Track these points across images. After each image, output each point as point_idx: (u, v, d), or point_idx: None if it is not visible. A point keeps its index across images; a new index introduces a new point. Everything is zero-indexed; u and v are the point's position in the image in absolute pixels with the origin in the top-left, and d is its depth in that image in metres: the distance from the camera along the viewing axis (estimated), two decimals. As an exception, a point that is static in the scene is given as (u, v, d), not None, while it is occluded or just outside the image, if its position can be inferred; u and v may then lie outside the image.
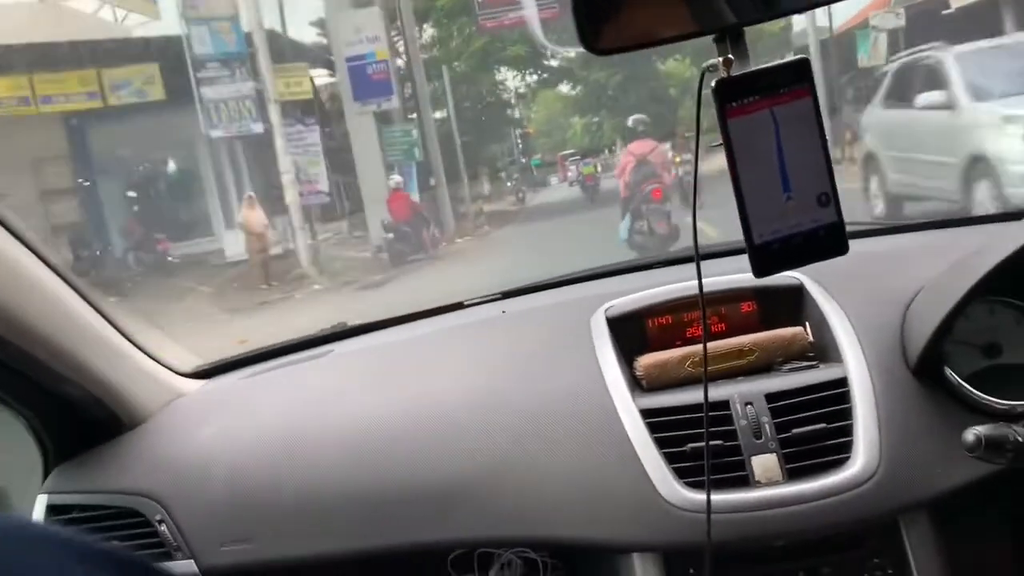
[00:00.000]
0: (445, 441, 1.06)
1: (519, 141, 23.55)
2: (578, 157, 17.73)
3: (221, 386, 1.35)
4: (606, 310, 1.17)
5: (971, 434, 0.79)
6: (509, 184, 18.69)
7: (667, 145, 9.22)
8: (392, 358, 1.31)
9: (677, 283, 1.18)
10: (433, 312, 1.50)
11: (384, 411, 1.14)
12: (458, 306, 1.49)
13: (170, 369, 1.32)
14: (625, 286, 1.24)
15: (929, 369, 0.97)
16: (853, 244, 1.31)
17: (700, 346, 1.06)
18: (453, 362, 1.23)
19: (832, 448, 0.93)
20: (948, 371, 0.97)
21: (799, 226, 0.74)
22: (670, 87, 17.96)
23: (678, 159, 9.07)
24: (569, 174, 17.58)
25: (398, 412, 1.13)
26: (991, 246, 0.94)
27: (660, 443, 0.96)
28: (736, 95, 0.71)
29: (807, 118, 0.73)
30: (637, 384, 1.07)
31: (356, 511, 1.03)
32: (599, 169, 14.88)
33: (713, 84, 0.71)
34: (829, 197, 0.74)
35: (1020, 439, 0.75)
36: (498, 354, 1.21)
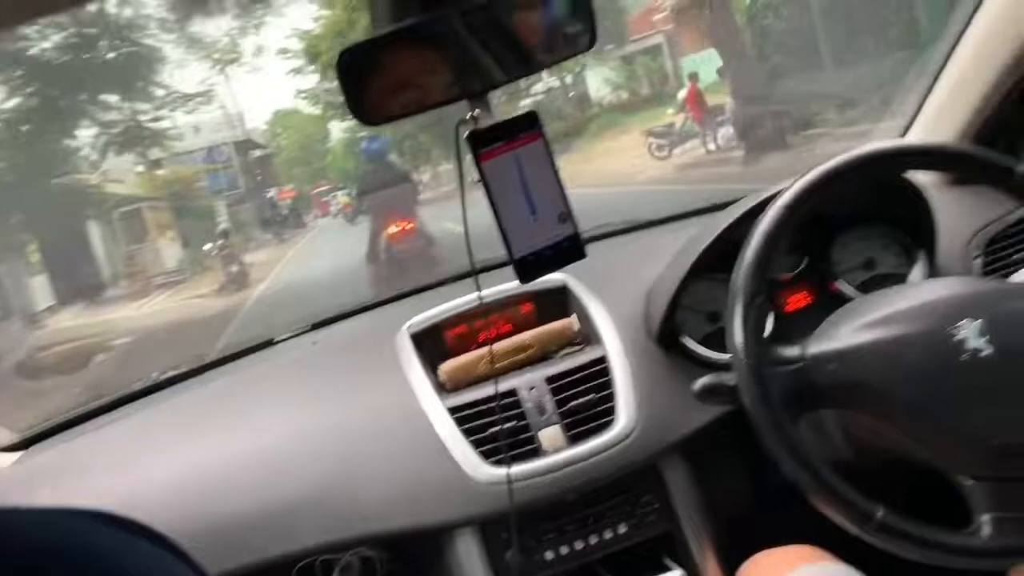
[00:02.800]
0: (277, 469, 1.16)
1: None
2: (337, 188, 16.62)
3: (42, 455, 1.36)
4: (408, 328, 1.32)
5: (697, 384, 1.01)
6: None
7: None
8: (213, 402, 1.38)
9: (468, 296, 1.35)
10: (245, 352, 1.57)
11: (215, 452, 1.22)
12: (268, 343, 1.58)
13: None
14: (424, 304, 1.40)
15: (667, 338, 1.21)
16: (604, 243, 1.56)
17: (491, 348, 1.26)
18: (273, 398, 1.32)
19: (601, 413, 1.15)
20: (683, 338, 1.22)
21: (547, 240, 0.93)
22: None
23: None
24: (331, 208, 16.15)
25: (228, 453, 1.21)
26: (700, 235, 1.20)
27: (466, 433, 1.13)
28: (486, 142, 0.89)
29: (541, 156, 0.92)
30: (442, 387, 1.23)
31: (203, 541, 1.11)
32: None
33: (466, 135, 0.88)
34: (566, 215, 0.94)
35: (731, 383, 0.98)
36: (315, 383, 1.33)
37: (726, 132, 11.89)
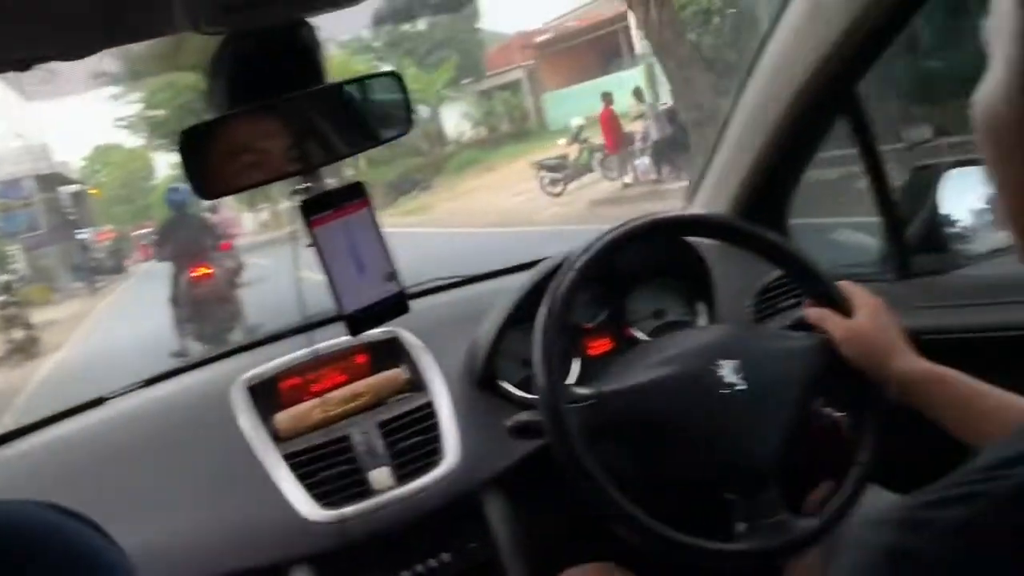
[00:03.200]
0: (120, 525, 1.19)
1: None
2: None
3: None
4: (243, 380, 1.39)
5: (509, 422, 1.15)
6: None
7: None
8: (41, 462, 1.37)
9: (303, 349, 1.43)
10: (74, 411, 1.56)
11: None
12: (99, 401, 1.57)
13: None
14: (259, 357, 1.46)
15: (487, 383, 1.35)
16: (436, 296, 1.67)
17: (326, 397, 1.35)
18: (108, 453, 1.34)
19: (428, 453, 1.26)
20: (502, 382, 1.36)
21: (374, 297, 1.04)
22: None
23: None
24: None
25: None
26: (514, 289, 1.36)
27: (300, 477, 1.21)
28: (317, 210, 1.00)
29: (368, 222, 1.04)
30: (277, 437, 1.31)
31: None
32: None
33: (299, 204, 0.99)
34: (392, 275, 1.05)
35: (539, 420, 1.12)
36: (149, 442, 1.35)
37: (643, 163, 10.77)
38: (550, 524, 1.34)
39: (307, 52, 0.94)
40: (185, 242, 7.34)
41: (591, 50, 21.08)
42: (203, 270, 7.22)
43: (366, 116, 1.01)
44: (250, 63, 0.89)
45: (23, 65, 0.71)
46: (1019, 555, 0.37)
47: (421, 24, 23.12)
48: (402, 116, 1.01)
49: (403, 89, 1.01)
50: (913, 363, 1.07)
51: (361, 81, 1.02)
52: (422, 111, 21.19)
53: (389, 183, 19.92)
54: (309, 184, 1.01)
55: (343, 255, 1.03)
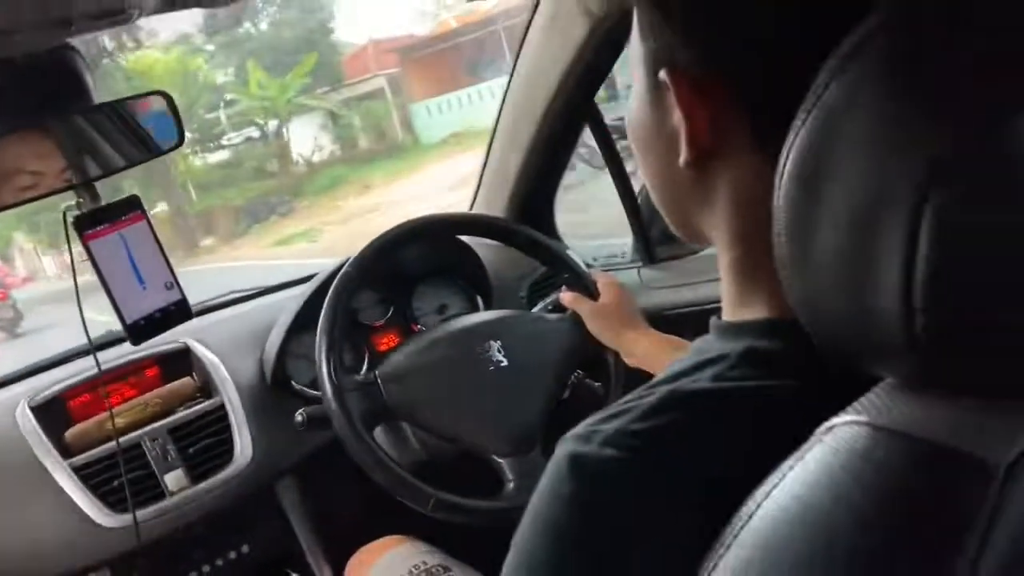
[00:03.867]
0: None
1: None
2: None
3: None
4: (27, 401, 1.38)
5: (297, 415, 1.23)
6: None
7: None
8: None
9: (86, 365, 1.44)
10: None
11: None
12: None
13: None
14: (45, 379, 1.45)
15: (280, 382, 1.42)
16: (225, 310, 1.71)
17: (114, 410, 1.36)
18: None
19: (222, 454, 1.32)
20: (293, 382, 1.44)
21: (155, 305, 1.10)
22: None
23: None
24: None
25: None
26: (289, 304, 1.45)
27: (92, 488, 1.23)
28: (91, 225, 1.04)
29: (145, 233, 1.09)
30: (68, 452, 1.31)
31: None
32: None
33: (72, 220, 1.03)
34: (172, 283, 1.11)
35: (324, 410, 1.21)
36: None
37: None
38: (344, 507, 1.44)
39: (73, 74, 0.99)
40: None
41: (463, 55, 18.66)
42: None
43: (136, 132, 1.07)
44: (17, 87, 0.93)
45: None
46: (657, 456, 0.50)
47: (264, 24, 20.24)
48: (173, 131, 1.08)
49: (173, 107, 1.08)
50: (646, 333, 1.26)
51: (129, 99, 1.08)
52: (271, 124, 18.68)
53: (238, 209, 17.55)
54: (81, 200, 1.06)
55: (121, 267, 1.08)
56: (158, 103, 1.08)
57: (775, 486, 0.40)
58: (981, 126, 0.34)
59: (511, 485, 1.20)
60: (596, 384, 1.39)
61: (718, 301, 0.58)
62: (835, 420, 0.41)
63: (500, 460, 1.22)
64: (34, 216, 13.90)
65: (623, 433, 0.48)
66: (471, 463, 1.28)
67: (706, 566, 0.42)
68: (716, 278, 0.58)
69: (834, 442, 0.40)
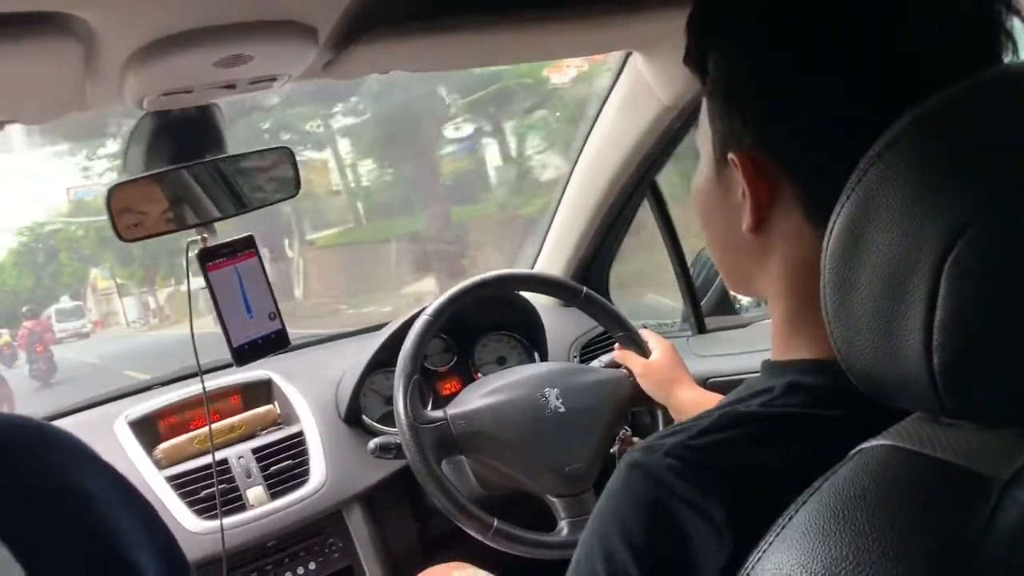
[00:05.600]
0: None
1: None
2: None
3: None
4: (125, 416, 1.52)
5: (371, 443, 1.36)
6: None
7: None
8: None
9: (183, 390, 1.58)
10: None
11: None
12: None
13: None
14: (146, 400, 1.59)
15: (353, 417, 1.55)
16: (306, 351, 1.85)
17: (204, 430, 1.50)
18: None
19: (298, 475, 1.45)
20: (364, 417, 1.56)
21: (259, 333, 1.23)
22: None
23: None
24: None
25: None
26: (375, 340, 1.58)
27: (182, 496, 1.36)
28: (211, 258, 1.19)
29: (256, 269, 1.24)
30: (159, 465, 1.44)
31: None
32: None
33: (195, 253, 1.18)
34: (275, 314, 1.25)
35: (396, 441, 1.34)
36: None
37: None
38: (406, 535, 1.54)
39: (214, 127, 1.15)
40: None
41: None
42: None
43: (258, 181, 1.22)
44: (169, 135, 1.10)
45: (-4, 127, 0.89)
46: (710, 467, 0.59)
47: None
48: (291, 183, 1.23)
49: (293, 161, 1.23)
50: (693, 391, 1.36)
51: (256, 152, 1.24)
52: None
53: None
54: (204, 236, 1.21)
55: (233, 297, 1.22)
56: (280, 157, 1.24)
57: (810, 497, 0.48)
58: (991, 201, 0.43)
59: (564, 523, 1.30)
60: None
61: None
62: (865, 444, 0.50)
63: (554, 499, 1.32)
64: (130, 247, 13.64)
65: (681, 446, 0.57)
66: (526, 501, 1.38)
67: (744, 568, 0.49)
68: (762, 349, 0.68)
69: (862, 461, 0.49)
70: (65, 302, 15.67)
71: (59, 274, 16.68)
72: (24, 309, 12.86)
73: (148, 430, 1.52)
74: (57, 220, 16.25)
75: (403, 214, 13.67)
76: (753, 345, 1.66)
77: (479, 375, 1.69)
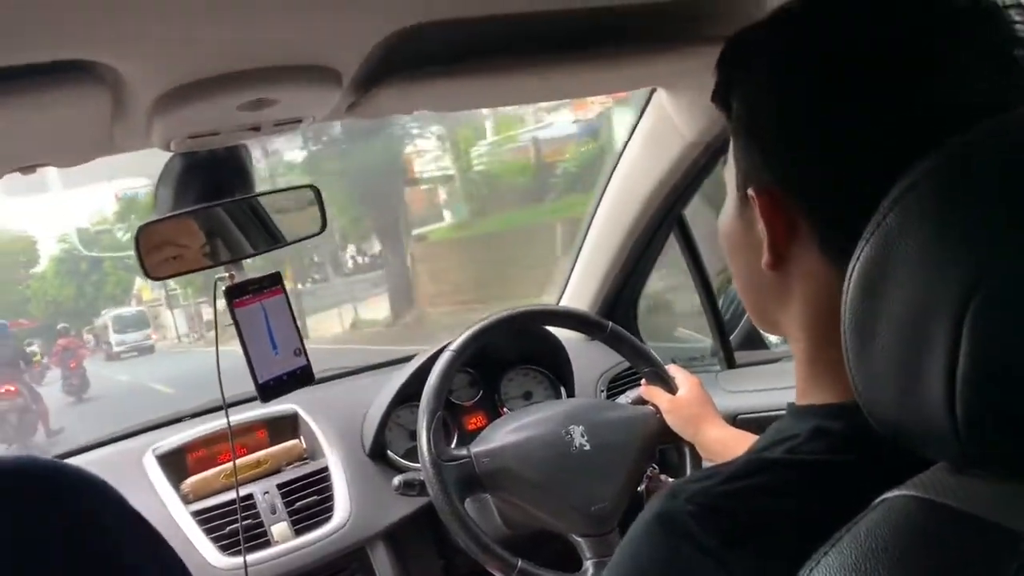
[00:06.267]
0: None
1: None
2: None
3: None
4: (153, 450, 1.53)
5: (395, 480, 1.36)
6: None
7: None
8: None
9: (210, 424, 1.60)
10: None
11: None
12: None
13: None
14: (174, 433, 1.61)
15: (377, 453, 1.55)
16: (332, 383, 1.86)
17: (230, 464, 1.50)
18: None
19: (323, 511, 1.44)
20: (389, 452, 1.56)
21: (285, 368, 1.24)
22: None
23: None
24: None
25: None
26: (400, 374, 1.58)
27: (207, 531, 1.36)
28: (239, 294, 1.20)
29: (282, 305, 1.25)
30: (185, 499, 1.45)
31: None
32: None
33: (223, 289, 1.19)
34: (300, 351, 1.26)
35: (420, 479, 1.33)
36: None
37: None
38: (430, 572, 1.53)
39: (241, 167, 1.17)
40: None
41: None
42: (7, 387, 9.16)
43: (284, 219, 1.24)
44: (196, 175, 1.12)
45: (29, 170, 0.91)
46: (734, 513, 0.59)
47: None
48: (317, 221, 1.24)
49: (319, 199, 1.25)
50: (720, 429, 1.34)
51: (282, 191, 1.26)
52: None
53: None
54: (232, 273, 1.22)
55: (259, 333, 1.23)
56: (307, 195, 1.25)
57: (831, 548, 0.47)
58: (1010, 250, 0.42)
59: (589, 563, 1.28)
60: (671, 481, 1.47)
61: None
62: (887, 494, 0.49)
63: (579, 539, 1.30)
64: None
65: (703, 492, 0.57)
66: (550, 540, 1.37)
67: None
68: (792, 386, 0.67)
69: (885, 512, 0.47)
70: (125, 308, 14.98)
71: (103, 283, 15.98)
72: (59, 326, 13.01)
73: (176, 463, 1.53)
74: (103, 224, 15.64)
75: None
76: (783, 381, 1.64)
77: (505, 410, 1.68)
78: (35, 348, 12.92)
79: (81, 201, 15.22)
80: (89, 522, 0.56)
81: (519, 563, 1.24)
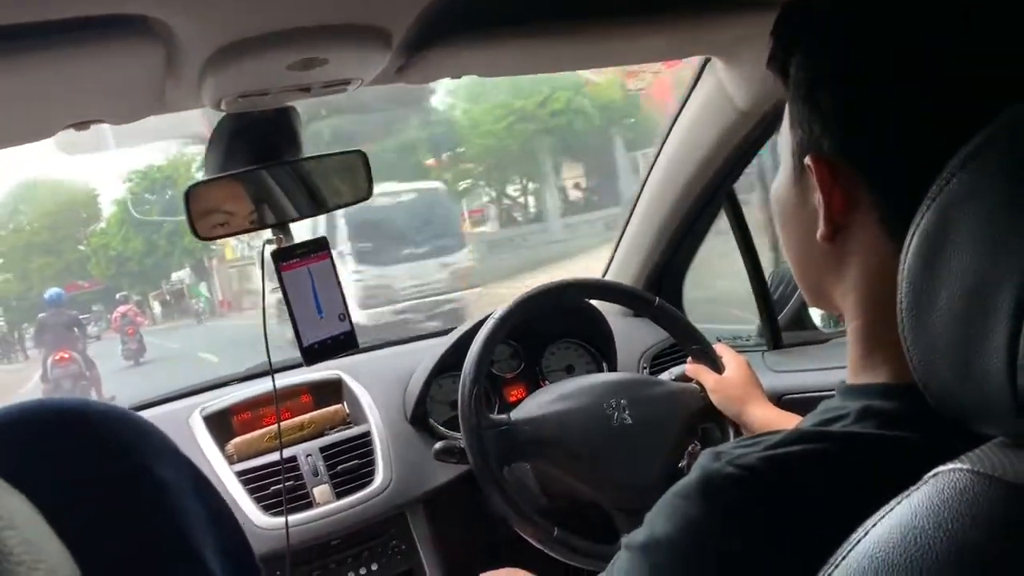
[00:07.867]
0: None
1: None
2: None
3: None
4: (200, 411, 1.56)
5: (436, 445, 1.36)
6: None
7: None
8: None
9: (255, 386, 1.62)
10: None
11: None
12: None
13: None
14: (221, 396, 1.63)
15: (419, 420, 1.56)
16: (375, 352, 1.87)
17: (274, 427, 1.53)
18: None
19: (363, 475, 1.46)
20: (430, 420, 1.57)
21: (329, 333, 1.25)
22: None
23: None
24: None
25: None
26: (443, 344, 1.58)
27: (250, 491, 1.38)
28: (286, 258, 1.21)
29: (328, 270, 1.25)
30: (230, 459, 1.48)
31: None
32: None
33: (271, 252, 1.20)
34: (345, 315, 1.26)
35: (460, 446, 1.34)
36: None
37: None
38: (468, 539, 1.54)
39: (291, 130, 1.17)
40: (56, 333, 9.55)
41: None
42: (62, 355, 9.29)
43: (331, 184, 1.24)
44: (247, 137, 1.12)
45: (83, 126, 0.92)
46: (776, 481, 0.57)
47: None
48: (364, 186, 1.24)
49: (367, 165, 1.24)
50: (766, 409, 1.32)
51: (330, 156, 1.26)
52: None
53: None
54: (280, 236, 1.23)
55: (305, 297, 1.24)
56: (355, 160, 1.25)
57: (884, 517, 0.47)
58: None
59: (625, 537, 1.27)
60: None
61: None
62: (940, 468, 0.48)
63: (616, 512, 1.29)
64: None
65: (748, 457, 0.57)
66: (588, 510, 1.36)
67: None
68: (840, 366, 0.66)
69: (938, 484, 0.46)
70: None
71: (176, 235, 14.63)
72: (118, 295, 13.61)
73: (222, 425, 1.56)
74: (179, 164, 14.15)
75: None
76: (831, 362, 1.61)
77: (546, 383, 1.68)
78: (99, 307, 13.78)
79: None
80: (144, 467, 0.56)
81: (556, 531, 1.24)
